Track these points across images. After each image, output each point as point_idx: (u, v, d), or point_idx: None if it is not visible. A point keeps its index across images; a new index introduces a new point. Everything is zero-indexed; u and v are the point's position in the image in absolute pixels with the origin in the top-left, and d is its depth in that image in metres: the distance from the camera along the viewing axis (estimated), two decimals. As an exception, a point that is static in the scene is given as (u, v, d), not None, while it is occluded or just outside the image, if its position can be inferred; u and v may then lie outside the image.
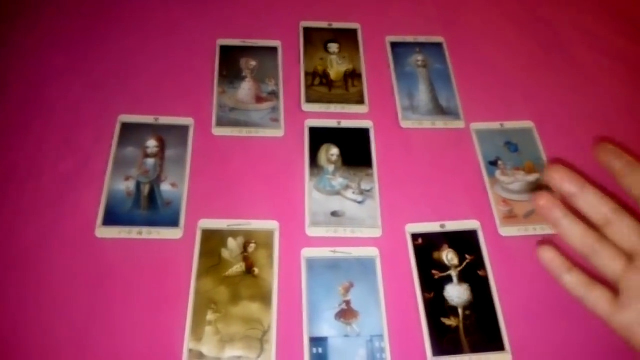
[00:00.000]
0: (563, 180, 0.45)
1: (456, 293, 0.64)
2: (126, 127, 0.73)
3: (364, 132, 0.76)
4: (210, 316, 0.60)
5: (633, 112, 0.80)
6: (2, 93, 0.76)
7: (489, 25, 0.90)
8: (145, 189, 0.69)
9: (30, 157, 0.71)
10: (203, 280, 0.62)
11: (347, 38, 0.85)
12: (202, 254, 0.64)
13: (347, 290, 0.63)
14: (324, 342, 0.60)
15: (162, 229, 0.65)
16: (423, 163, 0.74)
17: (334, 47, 0.84)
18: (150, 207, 0.67)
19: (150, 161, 0.71)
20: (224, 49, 0.82)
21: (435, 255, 0.66)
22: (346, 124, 0.76)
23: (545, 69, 0.85)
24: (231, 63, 0.81)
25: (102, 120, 0.74)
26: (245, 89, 0.78)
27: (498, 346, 0.61)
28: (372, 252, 0.66)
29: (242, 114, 0.76)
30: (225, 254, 0.64)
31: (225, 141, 0.74)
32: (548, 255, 0.48)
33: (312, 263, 0.64)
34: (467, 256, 0.66)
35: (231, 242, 0.65)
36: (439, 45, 0.86)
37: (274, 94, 0.78)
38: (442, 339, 0.61)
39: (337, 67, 0.82)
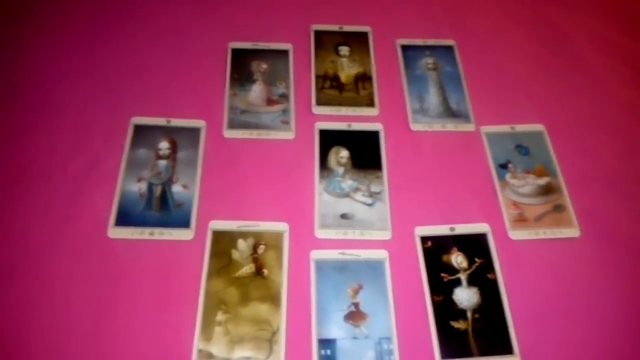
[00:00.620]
0: None
1: (465, 296, 0.64)
2: (138, 129, 0.74)
3: (374, 135, 0.76)
4: (220, 317, 0.61)
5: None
6: (13, 93, 0.77)
7: (499, 28, 0.90)
8: (157, 190, 0.69)
9: (41, 157, 0.72)
10: (213, 280, 0.63)
11: (357, 41, 0.86)
12: (213, 254, 0.65)
13: (356, 292, 0.63)
14: (332, 343, 0.60)
15: (174, 230, 0.66)
16: (433, 166, 0.74)
17: (344, 50, 0.84)
18: (162, 208, 0.68)
19: (163, 163, 0.72)
20: (235, 52, 0.83)
21: (445, 258, 0.66)
22: (356, 126, 0.77)
23: (555, 72, 0.84)
24: (242, 66, 0.81)
25: (114, 121, 0.75)
26: (256, 91, 0.79)
27: (507, 349, 0.60)
28: (381, 254, 0.66)
29: (253, 117, 0.77)
30: (235, 255, 0.65)
31: (236, 143, 0.74)
32: None
33: (321, 265, 0.65)
34: (476, 259, 0.66)
35: (241, 243, 0.66)
36: (449, 48, 0.86)
37: (285, 97, 0.79)
38: (451, 342, 0.61)
39: (347, 70, 0.82)
